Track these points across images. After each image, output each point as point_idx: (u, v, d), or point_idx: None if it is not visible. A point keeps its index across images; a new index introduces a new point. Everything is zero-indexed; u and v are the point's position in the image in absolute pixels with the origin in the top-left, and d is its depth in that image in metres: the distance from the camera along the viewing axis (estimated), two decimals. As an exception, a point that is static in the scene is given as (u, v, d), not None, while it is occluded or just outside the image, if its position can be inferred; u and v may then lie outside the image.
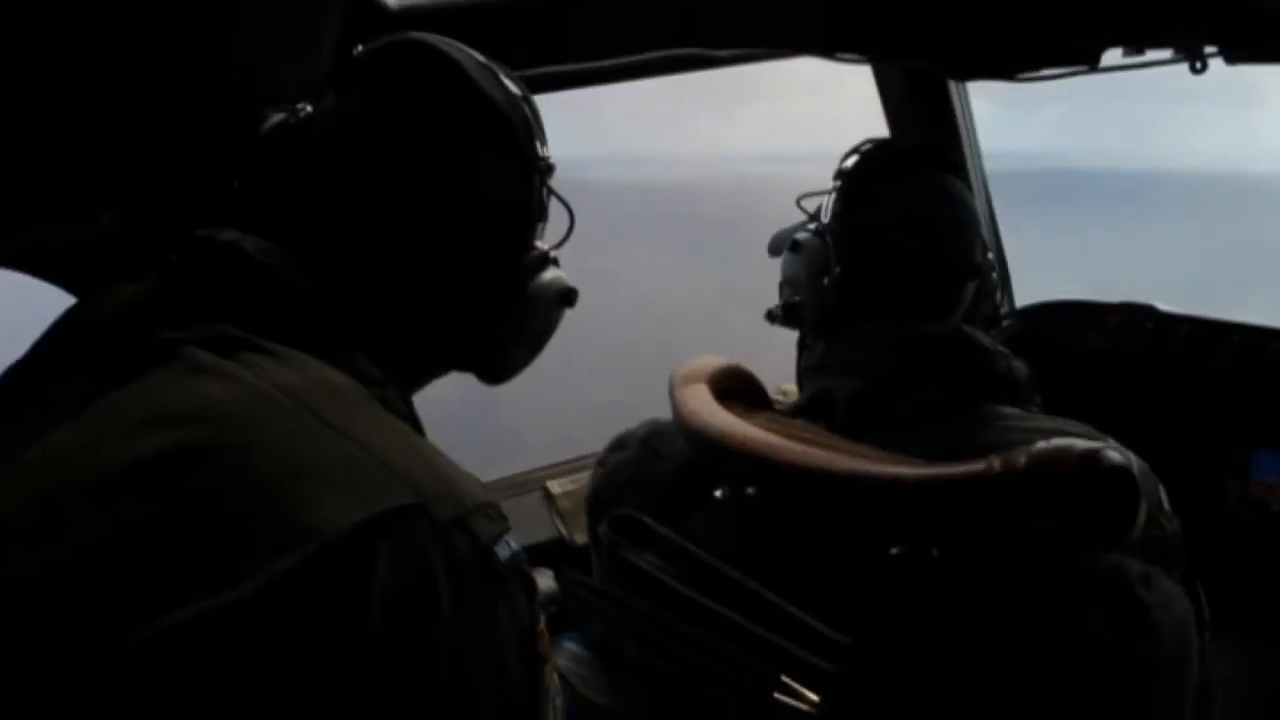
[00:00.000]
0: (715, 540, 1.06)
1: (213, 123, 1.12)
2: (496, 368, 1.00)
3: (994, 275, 1.36)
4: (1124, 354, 1.97)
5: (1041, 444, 0.88)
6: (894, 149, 1.38)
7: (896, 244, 1.25)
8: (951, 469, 0.90)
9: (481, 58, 0.94)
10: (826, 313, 1.30)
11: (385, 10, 1.19)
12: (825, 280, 1.28)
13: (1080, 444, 0.87)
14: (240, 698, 0.58)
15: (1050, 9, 1.60)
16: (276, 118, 0.92)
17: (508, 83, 0.94)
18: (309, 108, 0.91)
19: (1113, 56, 1.69)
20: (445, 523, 0.67)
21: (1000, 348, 1.23)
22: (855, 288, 1.26)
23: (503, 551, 0.70)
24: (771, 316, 1.41)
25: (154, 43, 1.03)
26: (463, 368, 0.99)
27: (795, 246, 1.35)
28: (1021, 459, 0.87)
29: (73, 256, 1.23)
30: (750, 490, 1.08)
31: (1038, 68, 1.70)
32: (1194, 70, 1.66)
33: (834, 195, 1.32)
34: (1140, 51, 1.67)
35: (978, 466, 0.88)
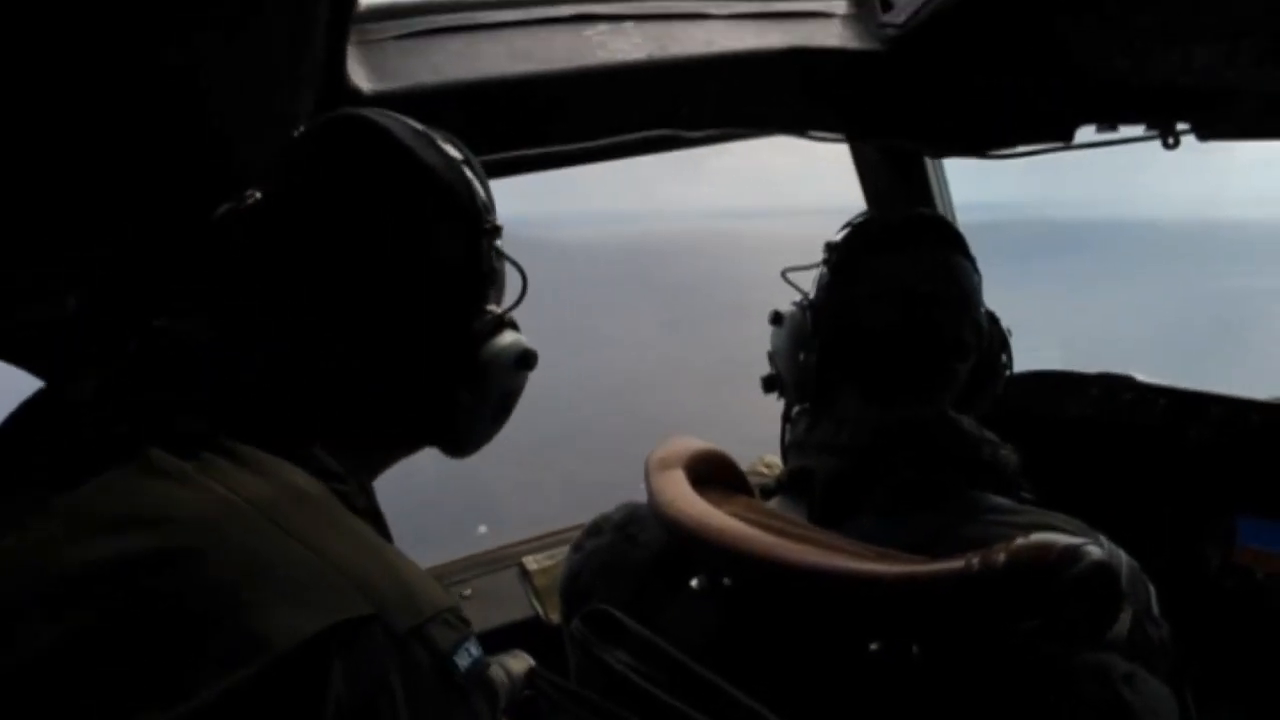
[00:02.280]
0: (690, 631, 1.04)
1: (178, 196, 1.12)
2: (460, 439, 0.98)
3: (1004, 356, 1.32)
4: (1103, 425, 1.97)
5: (1020, 540, 0.87)
6: (886, 222, 1.33)
7: (874, 319, 1.21)
8: (929, 566, 0.88)
9: (418, 125, 0.93)
10: (806, 387, 1.28)
11: (358, 93, 1.19)
12: (803, 355, 1.26)
13: (1061, 540, 0.85)
14: None
15: (1024, 88, 1.63)
16: (226, 206, 0.91)
17: (446, 147, 0.93)
18: (259, 194, 0.89)
19: (1086, 133, 1.72)
20: (402, 633, 0.66)
21: (987, 434, 1.20)
22: (833, 363, 1.24)
23: (463, 660, 0.69)
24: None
25: (124, 121, 1.02)
26: (426, 442, 0.97)
27: (777, 319, 1.34)
28: (1000, 556, 0.85)
29: (38, 339, 1.21)
30: (726, 581, 1.05)
31: (1013, 144, 1.73)
32: (1166, 145, 1.69)
33: (822, 267, 1.31)
34: (1113, 128, 1.70)
35: (956, 565, 0.87)
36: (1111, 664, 0.89)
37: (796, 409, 1.33)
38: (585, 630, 1.04)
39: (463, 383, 0.92)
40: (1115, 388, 1.97)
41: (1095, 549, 0.85)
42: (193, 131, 1.08)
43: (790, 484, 1.23)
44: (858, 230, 1.31)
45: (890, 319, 1.21)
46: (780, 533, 1.02)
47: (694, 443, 1.24)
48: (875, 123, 1.66)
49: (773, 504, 1.22)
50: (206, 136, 1.09)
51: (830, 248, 1.31)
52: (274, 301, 0.86)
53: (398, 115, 0.93)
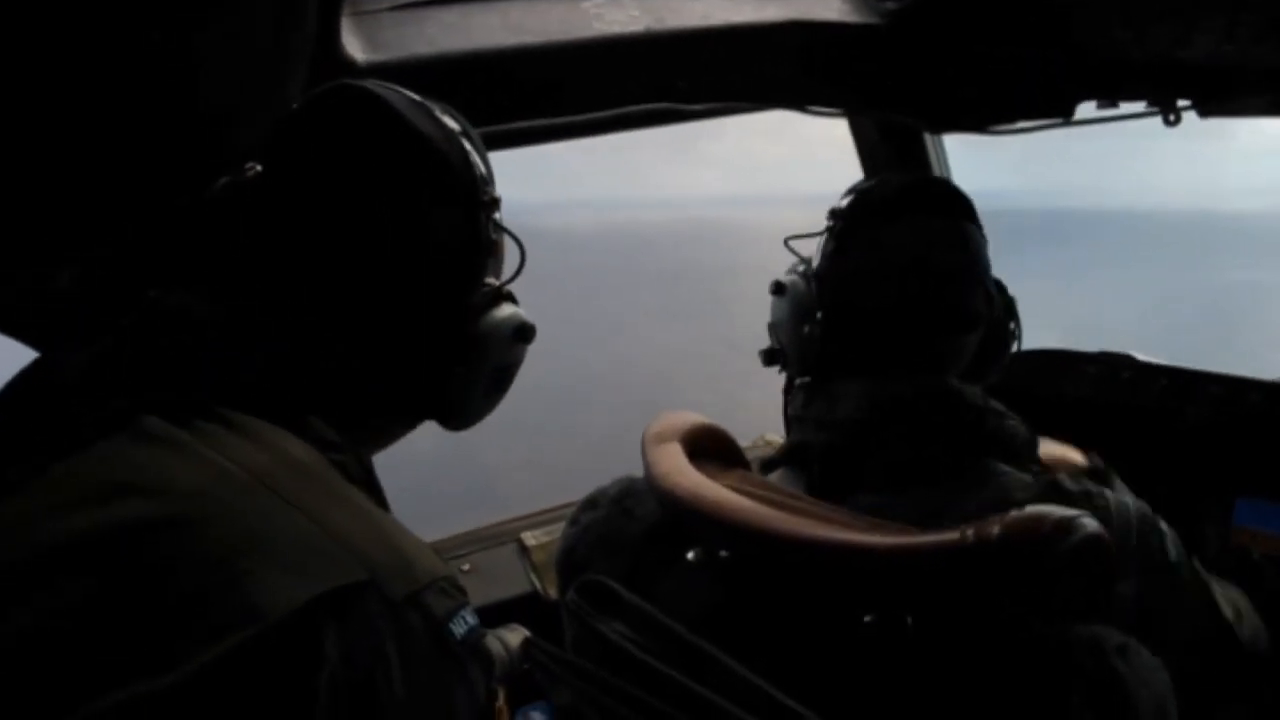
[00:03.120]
0: (686, 603, 1.04)
1: (174, 176, 1.11)
2: (457, 412, 0.97)
3: (1012, 325, 1.30)
4: (1101, 404, 1.96)
5: (1015, 512, 0.87)
6: (892, 187, 1.28)
7: (880, 292, 1.19)
8: (923, 538, 0.88)
9: (415, 96, 0.93)
10: (808, 361, 1.25)
11: (352, 65, 1.18)
12: (806, 327, 1.24)
13: (1055, 512, 0.85)
14: None
15: (1024, 63, 1.61)
16: (224, 179, 0.90)
17: (444, 118, 0.93)
18: (258, 166, 0.89)
19: (1086, 109, 1.71)
20: (398, 600, 0.66)
21: (993, 404, 1.17)
22: (836, 336, 1.22)
23: (458, 628, 0.69)
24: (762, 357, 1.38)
25: (116, 94, 1.01)
26: (424, 416, 0.97)
27: (779, 289, 1.29)
28: (995, 529, 0.85)
29: (32, 311, 1.21)
30: (722, 553, 1.05)
31: (1012, 120, 1.72)
32: (1167, 122, 1.68)
33: (825, 235, 1.26)
34: (1114, 104, 1.69)
35: (951, 536, 0.86)
36: (1105, 637, 0.89)
37: (797, 382, 1.31)
38: (581, 601, 1.04)
39: (458, 355, 0.92)
40: (1114, 367, 1.96)
41: (1089, 521, 0.84)
42: (185, 104, 1.07)
43: (789, 458, 1.22)
44: (862, 196, 1.26)
45: (897, 292, 1.18)
46: (775, 505, 1.02)
47: (690, 416, 1.23)
48: (874, 97, 1.65)
49: (773, 477, 1.22)
50: (199, 109, 1.09)
51: (835, 214, 1.27)
52: (271, 274, 0.86)
53: (395, 86, 0.92)
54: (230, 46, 1.03)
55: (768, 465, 1.25)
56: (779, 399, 1.37)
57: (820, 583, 0.98)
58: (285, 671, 0.60)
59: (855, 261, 1.22)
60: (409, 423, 0.98)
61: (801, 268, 1.28)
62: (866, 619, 0.93)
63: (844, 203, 1.27)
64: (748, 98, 1.52)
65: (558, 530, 1.98)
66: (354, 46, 1.19)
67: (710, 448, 1.20)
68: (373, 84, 0.91)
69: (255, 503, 0.67)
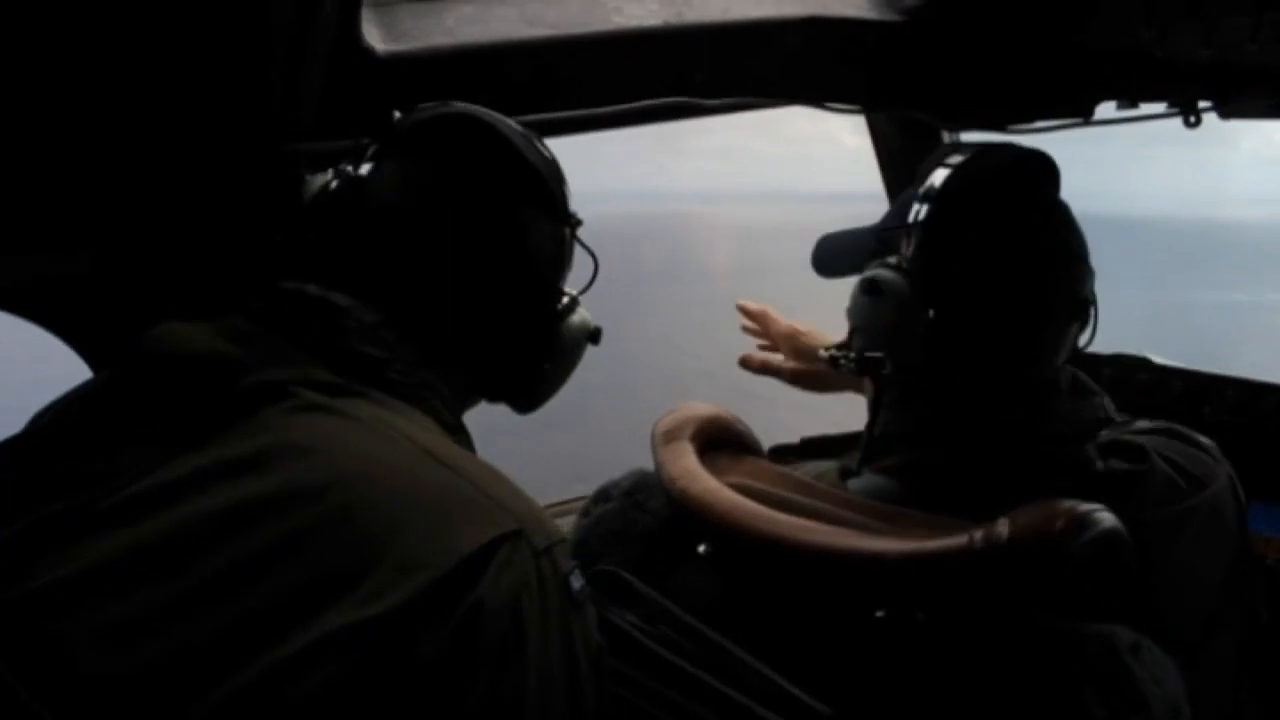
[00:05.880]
0: (698, 596, 1.04)
1: (190, 160, 1.12)
2: (533, 399, 1.14)
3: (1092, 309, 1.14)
4: (1117, 406, 1.95)
5: (1024, 510, 0.86)
6: (991, 160, 1.13)
7: (993, 285, 1.05)
8: (932, 544, 0.88)
9: (519, 126, 1.05)
10: (913, 368, 1.09)
11: (370, 54, 1.18)
12: (916, 330, 1.06)
13: (1066, 507, 0.85)
14: (379, 698, 0.66)
15: (1044, 62, 1.61)
16: (322, 178, 1.03)
17: (541, 148, 1.06)
18: (350, 169, 1.01)
19: (1106, 110, 1.70)
20: (540, 549, 0.76)
21: (1086, 417, 1.08)
22: (950, 338, 1.06)
23: (575, 582, 0.80)
24: (835, 363, 1.18)
25: (132, 80, 1.02)
26: (500, 399, 1.12)
27: (873, 287, 1.10)
28: (1003, 530, 0.84)
29: (49, 292, 1.22)
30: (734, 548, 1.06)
31: (1031, 119, 1.71)
32: (1188, 124, 1.67)
33: (919, 220, 1.09)
34: (1134, 105, 1.68)
35: (959, 541, 0.86)
36: (1118, 635, 0.89)
37: (891, 392, 1.15)
38: (594, 592, 1.04)
39: (549, 353, 1.09)
40: (1130, 369, 1.95)
41: (1105, 515, 0.84)
42: (203, 90, 1.08)
43: (902, 477, 1.09)
44: (955, 177, 1.10)
45: (1010, 284, 1.06)
46: (786, 506, 1.02)
47: (700, 408, 1.23)
48: (892, 95, 1.64)
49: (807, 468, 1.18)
50: (218, 95, 1.09)
51: (925, 197, 1.10)
52: (389, 274, 0.96)
53: (499, 115, 1.04)
54: (250, 33, 1.03)
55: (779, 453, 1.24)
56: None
57: (832, 582, 0.98)
58: (461, 602, 0.69)
59: (960, 251, 1.07)
60: (478, 401, 1.10)
61: (893, 260, 1.10)
62: (878, 614, 0.93)
63: (936, 179, 1.11)
64: (765, 93, 1.52)
65: (567, 524, 1.99)
66: (373, 36, 1.20)
67: (721, 438, 1.20)
68: (483, 111, 1.03)
69: (416, 461, 0.78)
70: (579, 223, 1.10)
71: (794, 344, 1.58)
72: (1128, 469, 1.02)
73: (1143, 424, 1.12)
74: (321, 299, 0.90)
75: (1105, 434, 1.09)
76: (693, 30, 1.38)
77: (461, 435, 0.93)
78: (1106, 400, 1.12)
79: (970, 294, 1.06)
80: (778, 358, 1.61)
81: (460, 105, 1.04)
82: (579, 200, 1.10)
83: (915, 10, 1.51)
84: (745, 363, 1.64)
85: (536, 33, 1.29)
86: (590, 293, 1.15)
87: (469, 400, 1.07)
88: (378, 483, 0.73)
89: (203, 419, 0.78)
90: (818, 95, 1.60)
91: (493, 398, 1.11)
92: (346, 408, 0.80)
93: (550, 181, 1.04)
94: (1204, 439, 1.11)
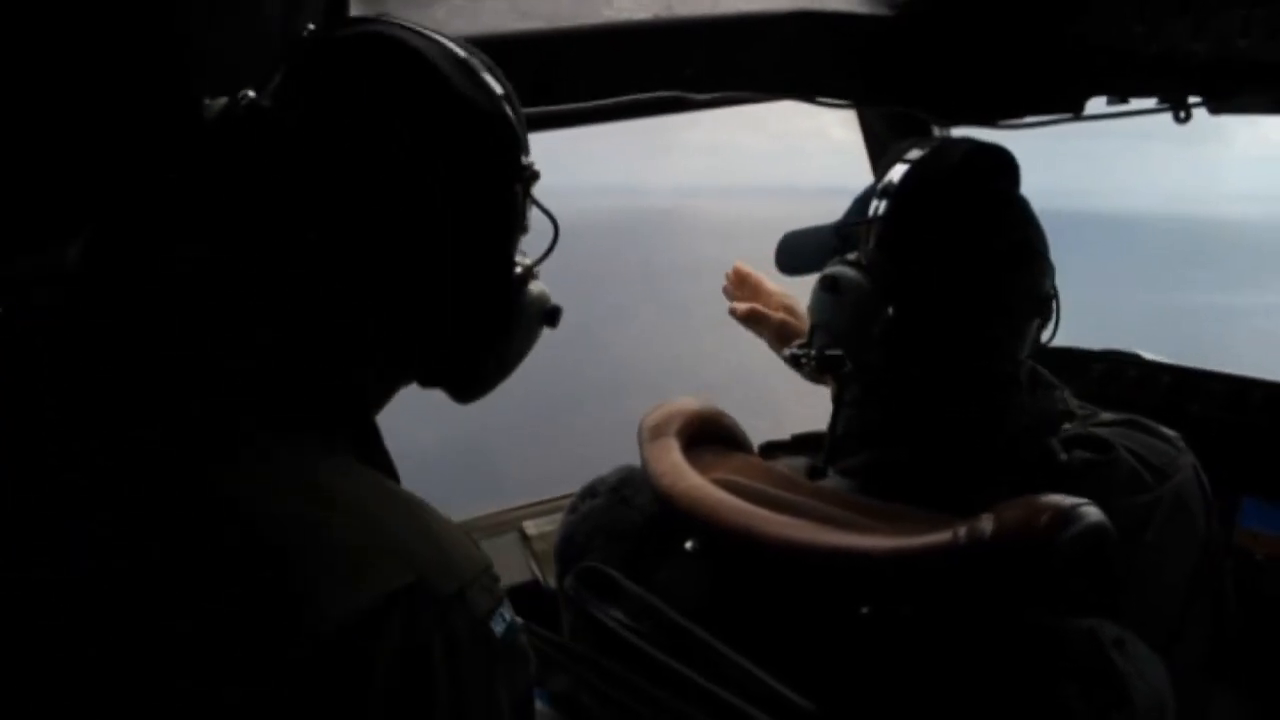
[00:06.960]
0: (684, 592, 1.04)
1: (172, 154, 1.10)
2: (476, 386, 0.93)
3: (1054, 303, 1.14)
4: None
5: (1008, 506, 0.86)
6: (948, 155, 1.11)
7: (954, 277, 1.05)
8: (916, 541, 0.88)
9: (460, 50, 0.84)
10: (873, 366, 1.09)
11: None
12: (875, 328, 1.06)
13: (1051, 503, 0.85)
14: None
15: (1035, 57, 1.60)
16: (218, 103, 0.81)
17: (488, 79, 0.85)
18: (251, 94, 0.80)
19: (1096, 105, 1.70)
20: (444, 598, 0.67)
21: (1045, 409, 1.10)
22: (909, 335, 1.06)
23: (498, 626, 0.70)
24: (796, 361, 1.18)
25: (116, 73, 1.01)
26: (435, 384, 0.93)
27: (833, 285, 1.09)
28: (988, 526, 0.84)
29: (45, 295, 1.21)
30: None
31: (1021, 114, 1.71)
32: (1178, 120, 1.66)
33: (877, 216, 1.09)
34: (1124, 100, 1.68)
35: (943, 537, 0.86)
36: (1102, 630, 0.89)
37: (852, 389, 1.14)
38: (579, 587, 1.04)
39: (497, 332, 0.89)
40: (1120, 365, 1.95)
41: (1091, 510, 0.84)
42: (188, 80, 1.07)
43: (866, 477, 1.10)
44: (911, 174, 1.09)
45: (967, 280, 1.06)
46: (771, 503, 1.02)
47: (687, 404, 1.23)
48: (883, 89, 1.64)
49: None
50: (202, 85, 1.08)
51: (883, 193, 1.10)
52: (288, 227, 0.78)
53: (438, 35, 0.84)
54: (238, 22, 1.02)
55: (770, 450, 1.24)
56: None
57: (817, 579, 0.98)
58: (344, 676, 0.62)
59: (916, 249, 1.07)
60: (408, 384, 0.93)
61: (853, 257, 1.10)
62: (863, 611, 0.93)
63: (894, 176, 1.10)
64: (756, 87, 1.51)
65: (559, 520, 1.99)
66: None
67: (708, 433, 1.20)
68: (411, 33, 0.82)
69: (305, 509, 0.67)
70: (534, 176, 0.88)
71: (783, 331, 1.43)
72: (1091, 460, 1.04)
73: (1106, 416, 1.13)
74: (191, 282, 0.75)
75: (1069, 427, 1.10)
76: (683, 24, 1.38)
77: (365, 447, 0.79)
78: (1067, 393, 1.14)
79: (928, 291, 1.06)
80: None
81: (383, 24, 0.83)
82: (557, 194, 0.94)
83: (906, 4, 1.51)
84: (734, 310, 1.51)
85: (526, 25, 1.29)
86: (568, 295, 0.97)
87: (395, 386, 0.90)
88: (253, 535, 0.65)
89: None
90: (809, 90, 1.60)
91: (426, 382, 0.92)
92: (241, 453, 0.70)
93: (493, 124, 0.83)
94: (1167, 430, 1.12)
